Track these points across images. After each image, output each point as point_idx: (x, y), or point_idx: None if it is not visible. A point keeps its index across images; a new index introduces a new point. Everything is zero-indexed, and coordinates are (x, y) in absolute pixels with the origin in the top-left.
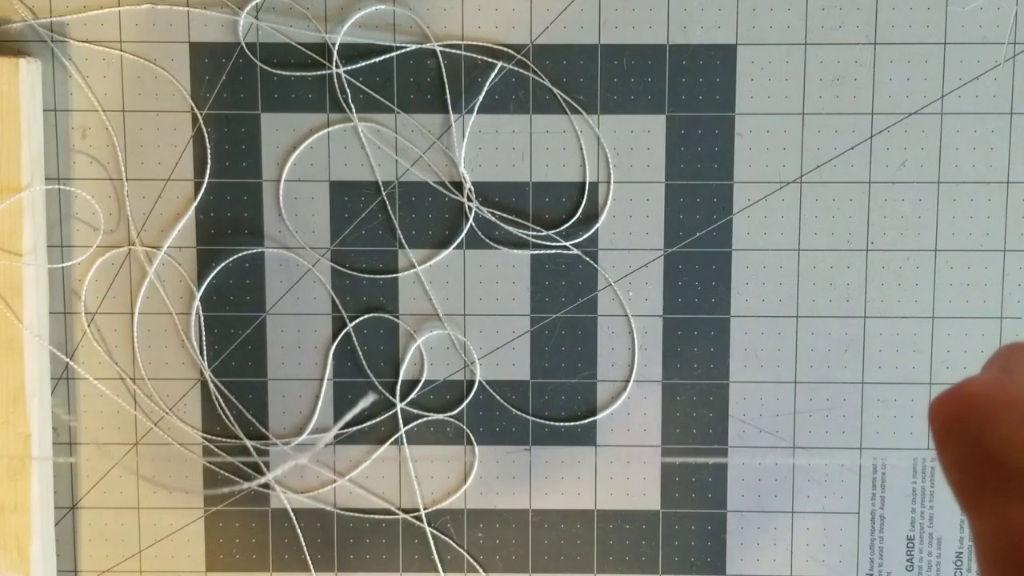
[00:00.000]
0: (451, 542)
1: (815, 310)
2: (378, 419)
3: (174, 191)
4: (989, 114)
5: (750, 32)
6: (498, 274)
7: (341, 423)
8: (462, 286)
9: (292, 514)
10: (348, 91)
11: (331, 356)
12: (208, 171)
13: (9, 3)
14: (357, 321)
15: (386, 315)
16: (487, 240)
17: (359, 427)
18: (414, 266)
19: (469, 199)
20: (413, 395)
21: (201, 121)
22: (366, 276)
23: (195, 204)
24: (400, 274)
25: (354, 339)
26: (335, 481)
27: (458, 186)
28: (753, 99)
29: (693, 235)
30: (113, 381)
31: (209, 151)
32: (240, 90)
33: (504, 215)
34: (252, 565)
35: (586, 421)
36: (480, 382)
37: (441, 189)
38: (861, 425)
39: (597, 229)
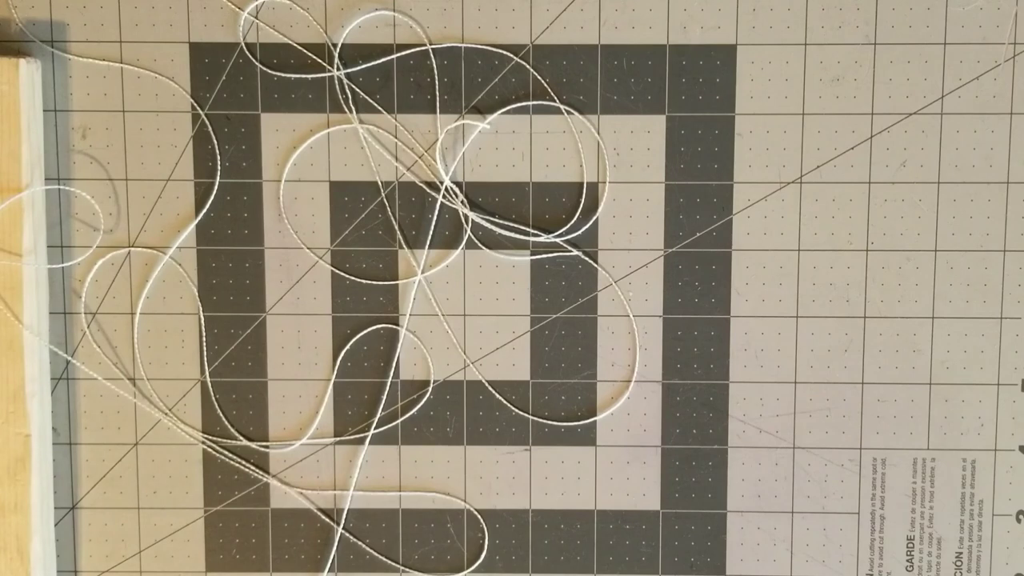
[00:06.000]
0: (451, 542)
1: (815, 310)
2: (377, 419)
3: (174, 191)
4: (989, 114)
5: (750, 32)
6: (498, 274)
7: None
8: (462, 287)
9: (292, 514)
10: (348, 92)
11: (339, 362)
12: (219, 172)
13: (9, 3)
14: (364, 332)
15: (389, 325)
16: (486, 248)
17: (358, 428)
18: (415, 265)
19: (464, 204)
20: (419, 404)
21: (207, 122)
22: (366, 282)
23: (208, 205)
24: (400, 281)
25: (357, 343)
26: (335, 481)
27: (459, 186)
28: (753, 99)
29: (693, 235)
30: (113, 381)
31: (218, 151)
32: (240, 90)
33: (503, 221)
34: (252, 565)
35: (586, 421)
36: (479, 382)
37: (437, 195)
38: (861, 425)
39: (597, 229)
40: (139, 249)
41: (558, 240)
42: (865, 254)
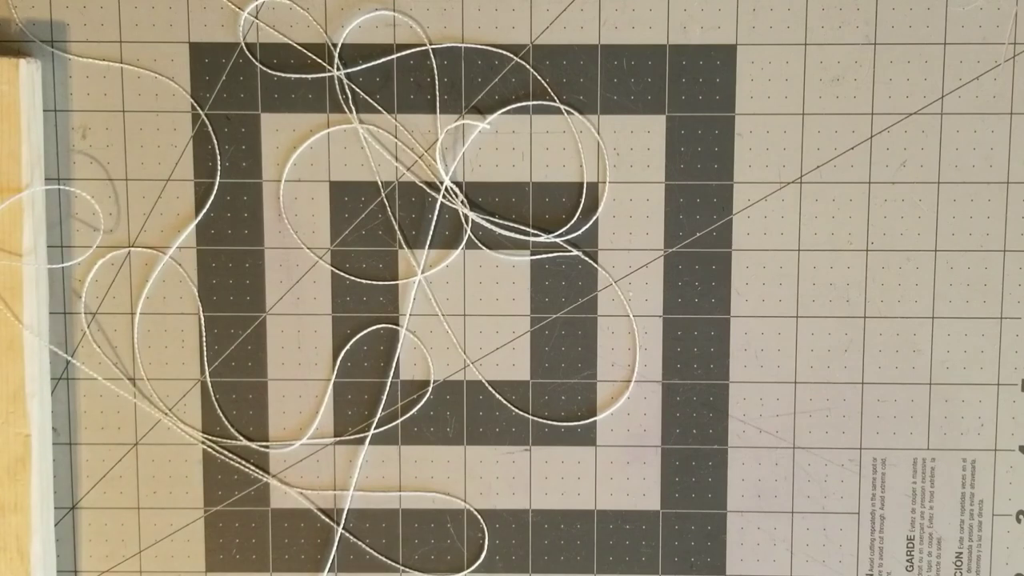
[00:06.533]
0: (451, 542)
1: (815, 310)
2: (376, 419)
3: (174, 191)
4: (989, 114)
5: (750, 32)
6: (498, 274)
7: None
8: (462, 287)
9: (292, 514)
10: (348, 92)
11: (339, 361)
12: (219, 172)
13: (9, 3)
14: (364, 332)
15: (389, 325)
16: (486, 248)
17: (358, 428)
18: (415, 265)
19: (464, 204)
20: (419, 404)
21: (207, 122)
22: (366, 282)
23: (208, 204)
24: (400, 281)
25: (358, 343)
26: (335, 481)
27: (459, 186)
28: (753, 99)
29: (693, 235)
30: (113, 381)
31: (218, 151)
32: (240, 90)
33: (503, 221)
34: (252, 565)
35: (586, 421)
36: (480, 382)
37: (437, 195)
38: (861, 425)
39: (597, 229)
40: (139, 249)
41: (558, 240)
42: (865, 254)
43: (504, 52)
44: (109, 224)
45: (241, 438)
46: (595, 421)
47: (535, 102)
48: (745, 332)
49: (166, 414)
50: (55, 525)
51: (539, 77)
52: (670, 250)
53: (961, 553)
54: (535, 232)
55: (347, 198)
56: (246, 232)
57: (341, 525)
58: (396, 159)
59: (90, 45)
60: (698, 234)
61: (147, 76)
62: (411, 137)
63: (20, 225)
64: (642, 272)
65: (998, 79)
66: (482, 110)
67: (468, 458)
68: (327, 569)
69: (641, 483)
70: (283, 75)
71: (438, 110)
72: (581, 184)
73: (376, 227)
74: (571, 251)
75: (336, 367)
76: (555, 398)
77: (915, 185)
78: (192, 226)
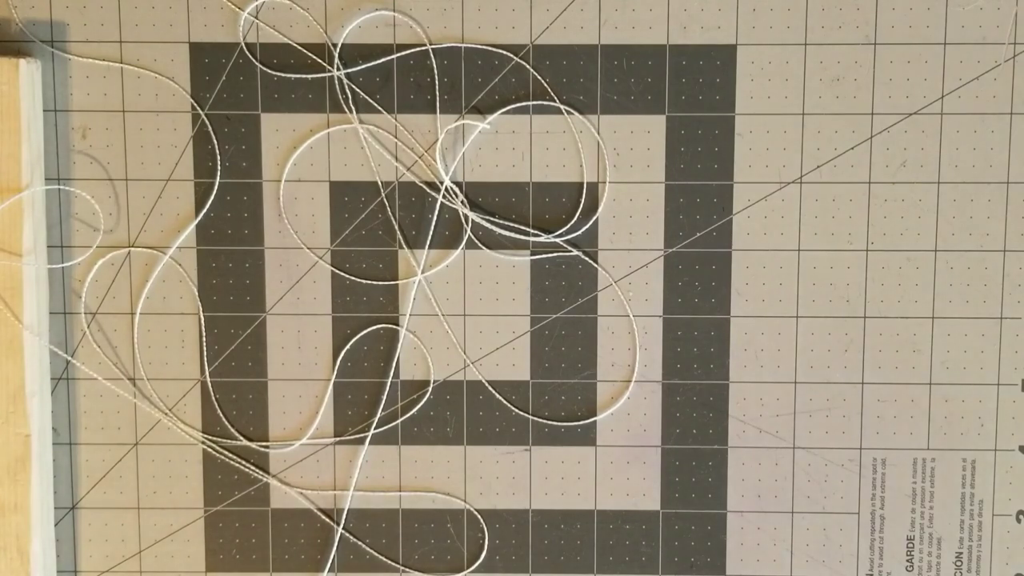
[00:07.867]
0: (451, 542)
1: (815, 310)
2: (376, 419)
3: (174, 191)
4: (989, 114)
5: (750, 32)
6: (498, 274)
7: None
8: (462, 287)
9: (292, 514)
10: (348, 92)
11: (339, 361)
12: (219, 172)
13: (9, 3)
14: (364, 332)
15: (389, 325)
16: (486, 247)
17: (358, 428)
18: (415, 265)
19: (464, 204)
20: (419, 404)
21: (207, 122)
22: (366, 282)
23: (208, 205)
24: (400, 281)
25: (358, 342)
26: (335, 481)
27: (459, 186)
28: (753, 99)
29: (693, 235)
30: (113, 381)
31: (218, 151)
32: (240, 90)
33: (503, 221)
34: (252, 565)
35: (586, 421)
36: (480, 382)
37: (437, 195)
38: (861, 425)
39: (597, 229)
40: (139, 249)
41: (558, 240)
42: (865, 254)
43: (504, 52)
44: (109, 224)
45: (241, 438)
46: (595, 421)
47: (535, 102)
48: (745, 332)
49: (166, 414)
50: (55, 525)
51: (539, 77)
52: (670, 250)
53: (961, 553)
54: (535, 232)
55: (347, 198)
56: (246, 232)
57: (341, 525)
58: (396, 159)
59: (90, 45)
60: (698, 234)
61: (147, 76)
62: (411, 137)
63: (20, 225)
64: (642, 272)
65: (998, 79)
66: (482, 110)
67: (468, 458)
68: (327, 569)
69: (641, 483)
70: (283, 75)
71: (438, 110)
72: (581, 184)
73: (376, 227)
74: (571, 251)
75: (336, 367)
76: (555, 398)
77: (915, 185)
78: (192, 226)
